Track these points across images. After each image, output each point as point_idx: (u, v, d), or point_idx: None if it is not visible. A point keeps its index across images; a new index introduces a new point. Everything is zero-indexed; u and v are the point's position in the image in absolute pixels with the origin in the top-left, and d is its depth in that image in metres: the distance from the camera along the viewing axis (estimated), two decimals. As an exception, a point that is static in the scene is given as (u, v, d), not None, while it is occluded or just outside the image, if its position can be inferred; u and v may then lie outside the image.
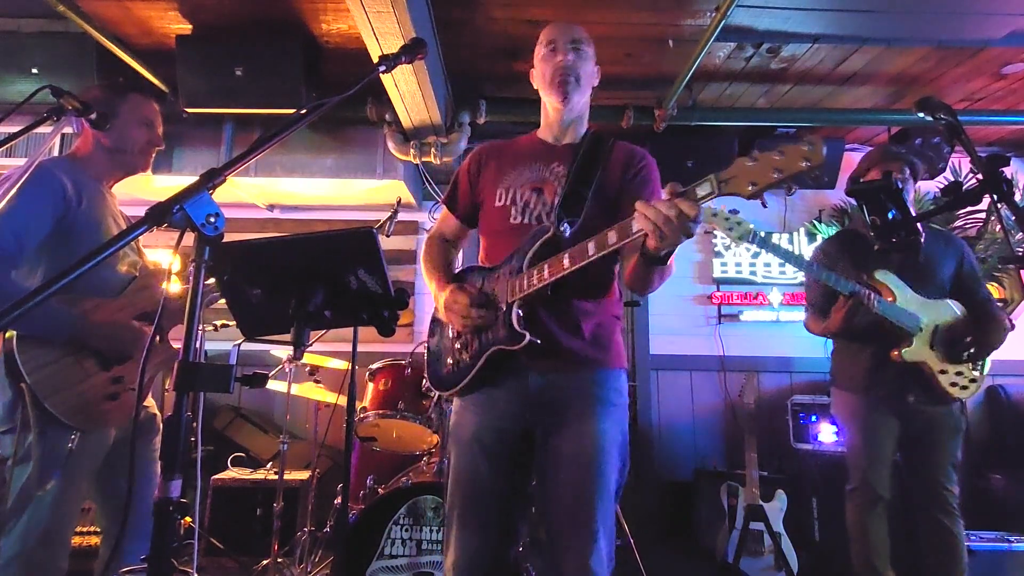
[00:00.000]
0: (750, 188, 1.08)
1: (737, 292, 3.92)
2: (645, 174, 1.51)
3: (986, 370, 2.26)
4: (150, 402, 1.75)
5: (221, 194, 0.94)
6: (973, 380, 2.23)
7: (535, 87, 1.59)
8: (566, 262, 1.30)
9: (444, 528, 1.47)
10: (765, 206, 1.12)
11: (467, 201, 1.64)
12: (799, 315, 3.71)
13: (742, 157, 1.09)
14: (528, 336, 1.33)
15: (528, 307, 1.39)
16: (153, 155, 1.74)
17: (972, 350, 2.18)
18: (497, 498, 1.42)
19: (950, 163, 3.56)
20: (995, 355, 2.29)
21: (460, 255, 1.79)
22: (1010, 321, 2.24)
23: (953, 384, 2.21)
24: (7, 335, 1.43)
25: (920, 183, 2.37)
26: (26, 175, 1.36)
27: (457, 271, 1.62)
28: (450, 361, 1.49)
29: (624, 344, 1.53)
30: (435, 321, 1.59)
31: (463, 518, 1.41)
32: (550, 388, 1.40)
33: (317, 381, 2.90)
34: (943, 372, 2.20)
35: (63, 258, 1.48)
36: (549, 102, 1.55)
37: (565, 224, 1.40)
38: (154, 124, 1.71)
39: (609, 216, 1.40)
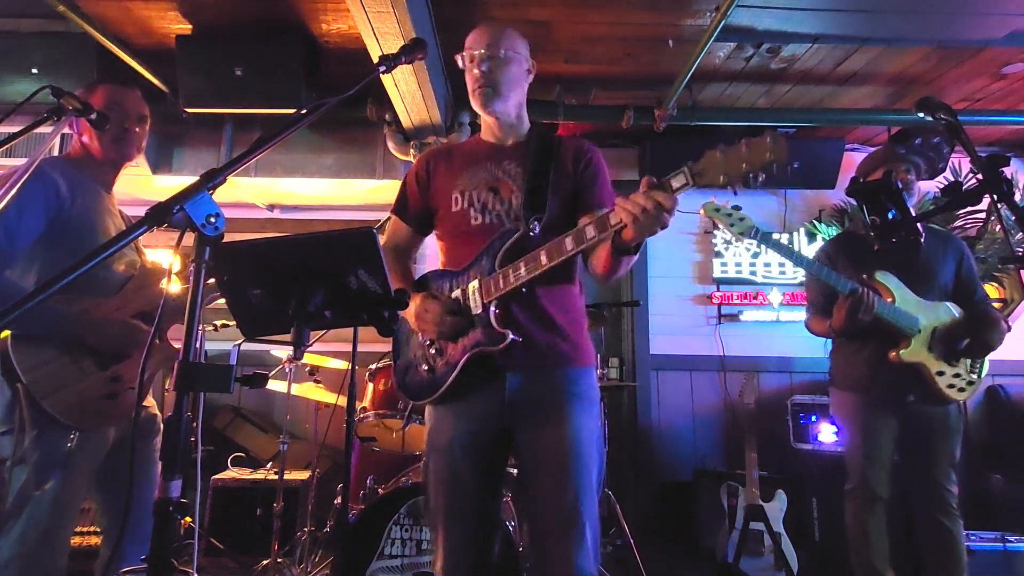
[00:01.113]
0: (723, 179, 1.15)
1: (737, 292, 3.92)
2: (594, 166, 1.54)
3: (984, 371, 2.26)
4: (151, 402, 1.75)
5: (221, 194, 0.94)
6: (971, 382, 2.23)
7: None
8: (543, 259, 1.33)
9: (430, 532, 1.48)
10: (736, 194, 1.17)
11: (417, 208, 1.63)
12: (799, 315, 3.71)
13: (711, 150, 1.16)
14: (511, 335, 1.35)
15: (502, 306, 1.40)
16: (134, 140, 1.66)
17: (969, 350, 2.18)
18: (479, 499, 1.43)
19: (950, 163, 3.55)
20: (995, 355, 2.28)
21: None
22: (1007, 322, 2.23)
23: (951, 386, 2.20)
24: (2, 335, 1.42)
25: (920, 183, 2.37)
26: (26, 175, 1.36)
27: (419, 277, 1.61)
28: (424, 368, 1.47)
29: (593, 341, 1.57)
30: (401, 330, 1.58)
31: (448, 522, 1.43)
32: (526, 387, 1.41)
33: (317, 381, 2.90)
34: (940, 373, 2.20)
35: (59, 257, 1.48)
36: (476, 108, 1.56)
37: (534, 222, 1.41)
38: (123, 106, 1.63)
39: (567, 210, 1.48)
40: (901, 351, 2.18)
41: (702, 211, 2.19)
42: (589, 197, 1.50)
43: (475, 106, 1.55)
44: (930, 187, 3.63)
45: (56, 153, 2.67)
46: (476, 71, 1.50)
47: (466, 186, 1.53)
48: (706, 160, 1.16)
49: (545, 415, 1.40)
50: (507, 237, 1.41)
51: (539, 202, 1.44)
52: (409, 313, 1.47)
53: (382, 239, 1.70)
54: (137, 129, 1.67)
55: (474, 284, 1.42)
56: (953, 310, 2.25)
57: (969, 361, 2.24)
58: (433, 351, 1.46)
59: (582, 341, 1.49)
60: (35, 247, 1.47)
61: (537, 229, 1.41)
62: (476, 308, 1.40)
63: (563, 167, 1.52)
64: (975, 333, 2.19)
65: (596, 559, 1.34)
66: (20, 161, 1.33)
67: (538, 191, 1.45)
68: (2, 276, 1.41)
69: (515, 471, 1.99)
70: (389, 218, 2.72)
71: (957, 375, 2.21)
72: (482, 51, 1.50)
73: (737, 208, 2.16)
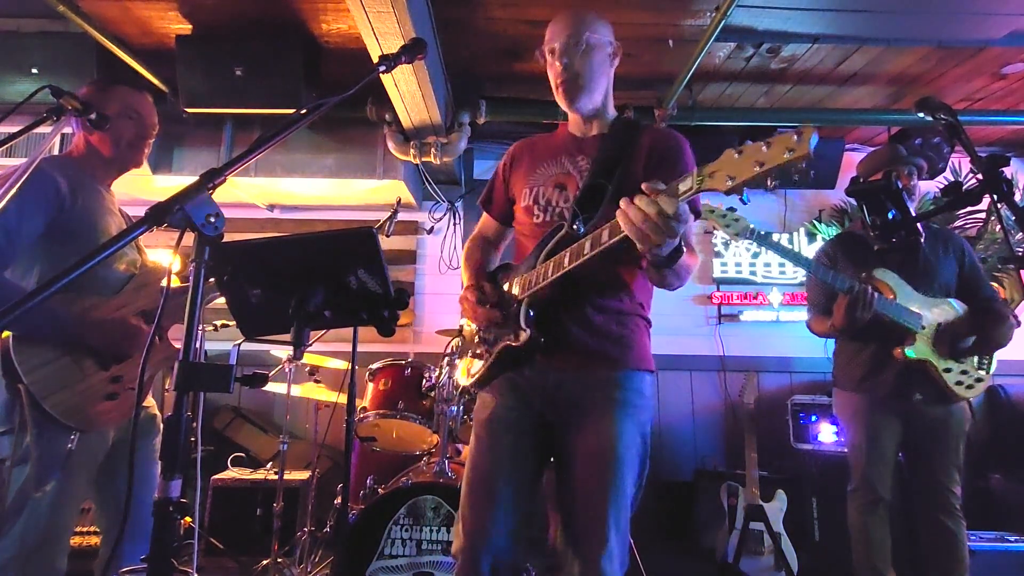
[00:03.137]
0: (728, 183, 1.00)
1: (737, 292, 3.92)
2: (671, 160, 1.41)
3: (992, 369, 2.24)
4: (151, 402, 1.75)
5: (221, 194, 0.94)
6: (979, 379, 2.21)
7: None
8: (566, 260, 1.30)
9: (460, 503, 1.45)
10: (745, 203, 1.05)
11: (502, 200, 1.64)
12: (799, 315, 3.72)
13: (730, 149, 1.01)
14: (529, 332, 1.33)
15: (541, 304, 1.38)
16: (146, 149, 1.69)
17: (975, 348, 2.18)
18: (511, 478, 1.39)
19: (950, 163, 3.56)
20: (995, 355, 2.28)
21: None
22: (1015, 317, 2.22)
23: (959, 383, 2.19)
24: (3, 335, 1.42)
25: (920, 183, 2.38)
26: (25, 175, 1.36)
27: (494, 268, 1.64)
28: (470, 355, 1.52)
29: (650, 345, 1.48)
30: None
31: (472, 498, 1.39)
32: (566, 385, 1.39)
33: (317, 381, 2.90)
34: (947, 371, 2.19)
35: (60, 257, 1.48)
36: (561, 104, 1.52)
37: (579, 222, 1.36)
38: (142, 115, 1.66)
39: None
40: (906, 348, 2.18)
41: None
42: None
43: (560, 102, 1.49)
44: (930, 187, 3.63)
45: (56, 153, 2.68)
46: (558, 64, 1.44)
47: (536, 182, 1.52)
48: (720, 161, 1.03)
49: (584, 416, 1.37)
50: (553, 235, 1.40)
51: (593, 201, 1.39)
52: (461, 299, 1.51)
53: (475, 229, 1.74)
54: (150, 139, 1.70)
55: (519, 280, 1.43)
56: (956, 306, 2.24)
57: (977, 357, 2.23)
58: (478, 339, 1.50)
59: (634, 344, 1.42)
60: (36, 247, 1.47)
61: (582, 229, 1.34)
62: (514, 303, 1.41)
63: (635, 163, 1.42)
64: (981, 330, 2.18)
65: (623, 565, 1.31)
66: (20, 161, 1.33)
67: (596, 189, 1.40)
68: (1, 276, 1.41)
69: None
70: (390, 218, 2.74)
71: (965, 372, 2.20)
72: (562, 42, 1.43)
73: (732, 210, 2.16)
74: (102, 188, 1.64)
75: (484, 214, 1.71)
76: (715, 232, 3.91)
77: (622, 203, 1.11)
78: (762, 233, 2.18)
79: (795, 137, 0.94)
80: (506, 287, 1.47)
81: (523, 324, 1.35)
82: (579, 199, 1.40)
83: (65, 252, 1.48)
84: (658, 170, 1.36)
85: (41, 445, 1.41)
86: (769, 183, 0.98)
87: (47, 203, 1.46)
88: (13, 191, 1.32)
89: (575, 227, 1.35)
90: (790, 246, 3.90)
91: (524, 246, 1.53)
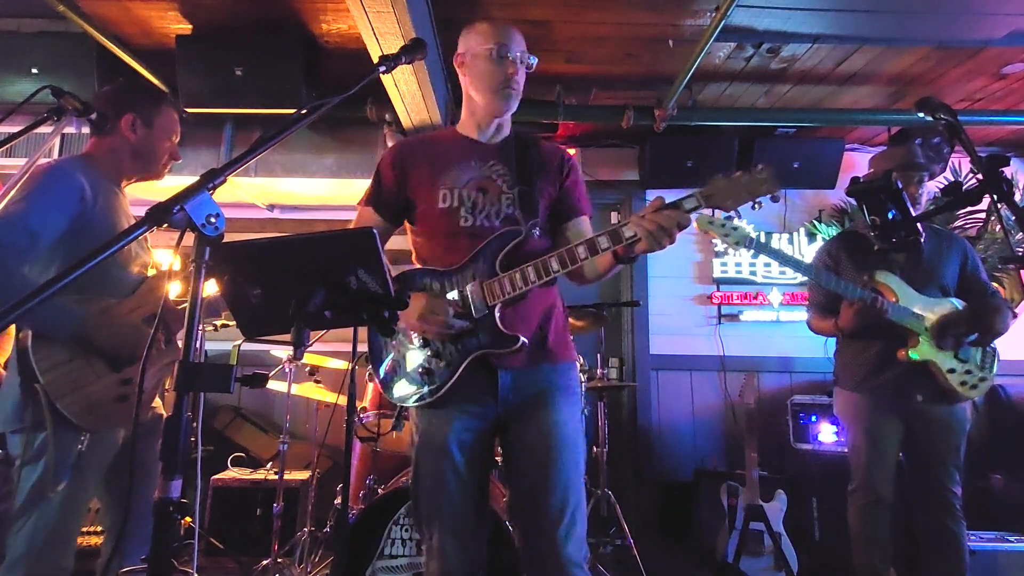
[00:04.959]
0: (730, 203, 1.35)
1: (737, 292, 3.92)
2: (575, 175, 1.61)
3: (995, 369, 2.25)
4: (158, 403, 1.75)
5: (221, 194, 0.94)
6: (983, 379, 2.21)
7: (463, 76, 1.55)
8: (555, 264, 1.37)
9: (423, 535, 1.45)
10: (740, 216, 1.39)
11: (394, 200, 1.55)
12: (799, 315, 3.71)
13: (715, 177, 1.35)
14: (522, 338, 1.37)
15: (501, 309, 1.41)
16: (170, 167, 1.78)
17: (970, 335, 2.17)
18: (476, 499, 1.45)
19: (950, 163, 3.55)
20: (998, 354, 2.28)
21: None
22: (1012, 310, 2.23)
23: (963, 383, 2.19)
24: (20, 334, 1.43)
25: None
26: (27, 174, 1.36)
27: (399, 274, 1.50)
28: (420, 370, 1.44)
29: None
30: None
31: (447, 526, 1.40)
32: (518, 385, 1.43)
33: (317, 381, 2.90)
34: (951, 371, 2.18)
35: (78, 257, 1.48)
36: (488, 104, 1.52)
37: (533, 226, 1.45)
38: (177, 136, 1.77)
39: (551, 215, 1.54)
40: (910, 350, 2.18)
41: (696, 225, 2.18)
42: (571, 204, 1.56)
43: (495, 103, 1.50)
44: (930, 187, 3.62)
45: (55, 153, 2.68)
46: (517, 73, 1.49)
47: (454, 184, 1.49)
48: (712, 186, 1.34)
49: (535, 410, 1.42)
50: (507, 239, 1.42)
51: (532, 206, 1.47)
52: (408, 312, 1.39)
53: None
54: (178, 159, 1.82)
55: (472, 286, 1.41)
56: (958, 306, 2.24)
57: (979, 356, 2.23)
58: (429, 352, 1.44)
59: (565, 338, 1.54)
60: (56, 247, 1.47)
61: (537, 233, 1.46)
62: (478, 310, 1.40)
63: (548, 173, 1.55)
64: (979, 320, 2.18)
65: (586, 555, 1.39)
66: (20, 161, 1.33)
67: (529, 195, 1.48)
68: (20, 272, 1.40)
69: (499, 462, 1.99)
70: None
71: (968, 372, 2.20)
72: (522, 54, 1.51)
73: (731, 218, 2.16)
74: (117, 190, 1.66)
75: (366, 214, 1.56)
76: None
77: (634, 218, 1.32)
78: (761, 241, 2.19)
79: (763, 174, 1.34)
80: (452, 295, 1.43)
81: (505, 330, 1.39)
82: (520, 205, 1.47)
83: (83, 252, 1.48)
84: (567, 181, 1.58)
85: (54, 445, 1.42)
86: (753, 206, 1.36)
87: (70, 203, 1.47)
88: (27, 189, 1.32)
89: (533, 232, 1.45)
90: (790, 247, 3.92)
91: (446, 249, 1.47)
